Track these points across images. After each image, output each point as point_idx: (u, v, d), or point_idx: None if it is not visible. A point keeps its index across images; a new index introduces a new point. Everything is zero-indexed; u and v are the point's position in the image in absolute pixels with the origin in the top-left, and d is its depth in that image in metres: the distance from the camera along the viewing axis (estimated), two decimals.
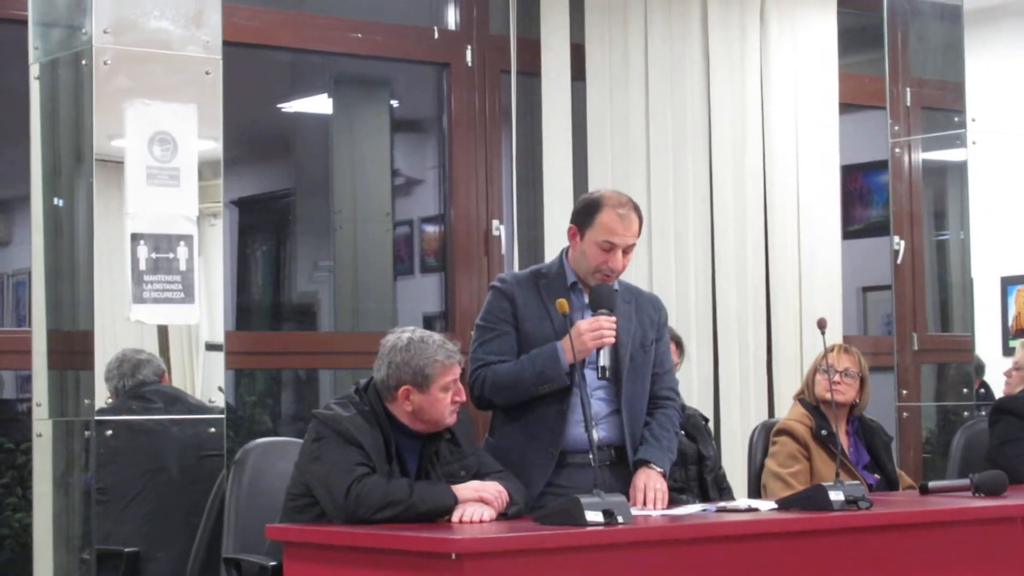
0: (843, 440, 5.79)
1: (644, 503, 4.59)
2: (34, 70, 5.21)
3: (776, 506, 4.66)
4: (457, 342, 4.50)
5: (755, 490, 5.87)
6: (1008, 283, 8.80)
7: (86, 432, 4.96)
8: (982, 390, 8.03)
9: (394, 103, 7.62)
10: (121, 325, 5.02)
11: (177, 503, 5.05)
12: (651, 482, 4.65)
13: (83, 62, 5.01)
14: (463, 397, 4.44)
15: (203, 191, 5.15)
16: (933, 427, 7.85)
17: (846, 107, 7.89)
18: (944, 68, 8.01)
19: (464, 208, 6.95)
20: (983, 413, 7.16)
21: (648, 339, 4.81)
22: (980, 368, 8.11)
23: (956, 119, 7.87)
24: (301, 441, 4.45)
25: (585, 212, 4.72)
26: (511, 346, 4.70)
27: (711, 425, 6.39)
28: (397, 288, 7.57)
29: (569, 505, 4.05)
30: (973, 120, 7.84)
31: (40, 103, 5.19)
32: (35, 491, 5.20)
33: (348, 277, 7.40)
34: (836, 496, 4.53)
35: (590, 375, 4.66)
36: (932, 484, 5.37)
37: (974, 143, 7.86)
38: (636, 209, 4.72)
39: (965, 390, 7.78)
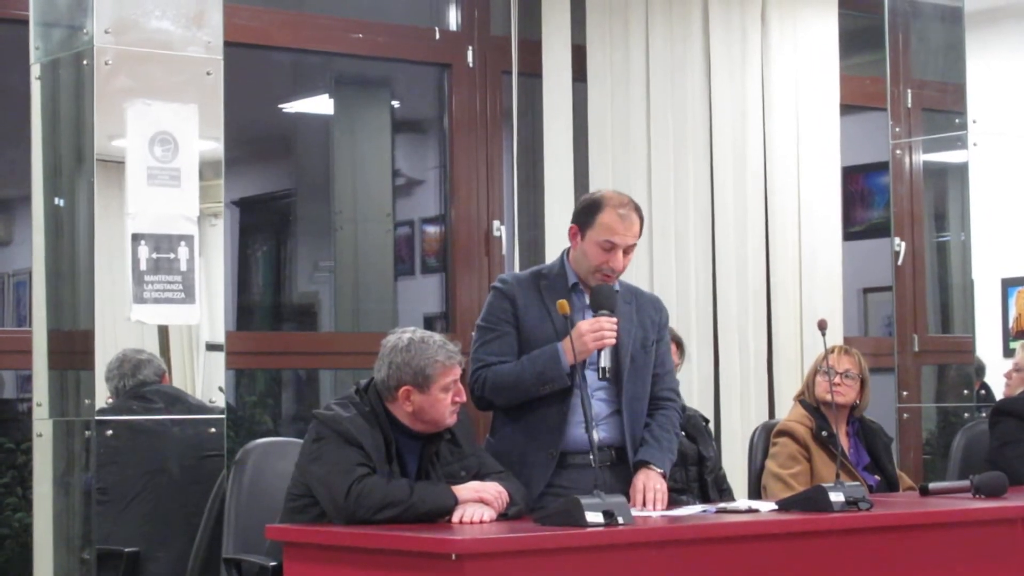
0: (843, 441, 5.79)
1: (643, 504, 4.59)
2: (35, 70, 5.21)
3: (776, 507, 4.66)
4: (458, 343, 4.50)
5: (755, 491, 5.87)
6: (1009, 285, 8.79)
7: (86, 432, 4.96)
8: (982, 391, 8.03)
9: (395, 103, 7.62)
10: (122, 325, 5.01)
11: (177, 503, 5.05)
12: (650, 483, 4.65)
13: (84, 62, 5.01)
14: (463, 398, 4.44)
15: (204, 191, 5.15)
16: (933, 428, 7.85)
17: (847, 108, 7.89)
18: (945, 70, 8.01)
19: (465, 209, 6.95)
20: (983, 415, 7.15)
21: (649, 340, 4.81)
22: (980, 369, 8.11)
23: (957, 121, 7.87)
24: (301, 441, 4.45)
25: (586, 212, 4.72)
26: (512, 347, 4.70)
27: (711, 426, 6.38)
28: (398, 288, 7.57)
29: (569, 506, 4.05)
30: (974, 122, 7.84)
31: (41, 103, 5.19)
32: (35, 491, 5.19)
33: (349, 277, 7.40)
34: (836, 497, 4.53)
35: (591, 376, 4.66)
36: (932, 485, 5.37)
37: (975, 145, 7.85)
38: (637, 209, 4.72)
39: (965, 391, 7.78)
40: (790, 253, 7.55)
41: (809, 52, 7.65)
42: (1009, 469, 5.54)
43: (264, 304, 7.71)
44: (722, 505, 4.75)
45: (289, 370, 7.19)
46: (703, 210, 7.29)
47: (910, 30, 8.00)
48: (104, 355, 4.98)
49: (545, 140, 6.94)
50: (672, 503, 4.80)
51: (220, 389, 5.22)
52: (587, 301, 4.71)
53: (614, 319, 4.63)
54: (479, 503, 4.27)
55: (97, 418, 4.93)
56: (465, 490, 4.30)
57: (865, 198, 8.79)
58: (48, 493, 5.13)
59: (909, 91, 8.02)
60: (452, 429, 4.45)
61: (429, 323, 7.23)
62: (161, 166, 5.06)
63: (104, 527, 4.94)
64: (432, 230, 7.41)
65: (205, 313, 5.16)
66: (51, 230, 5.16)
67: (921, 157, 8.03)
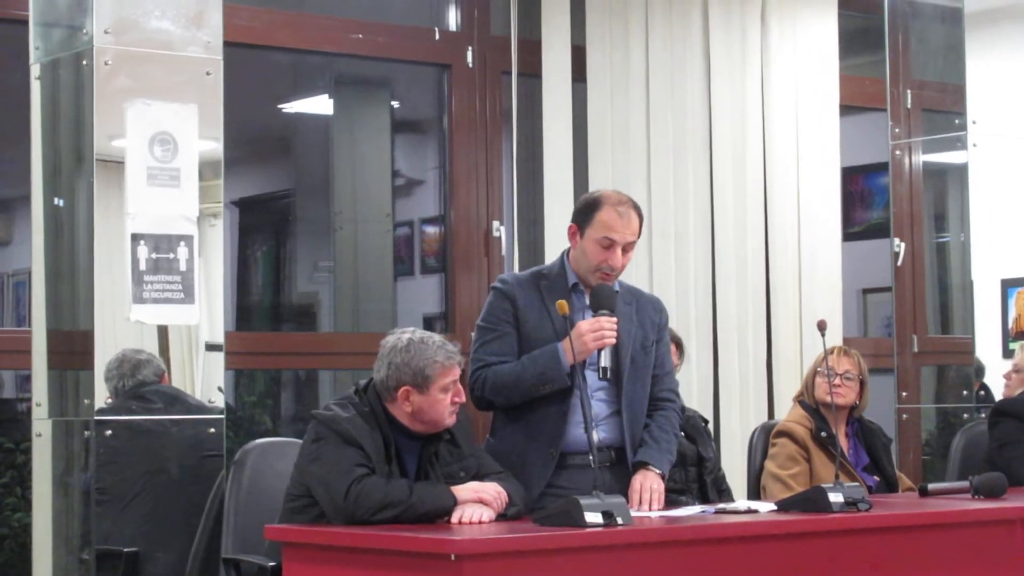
0: (842, 442, 5.79)
1: (640, 504, 4.59)
2: (35, 70, 5.21)
3: (775, 508, 4.66)
4: (457, 343, 4.50)
5: (754, 492, 5.87)
6: (1008, 285, 8.80)
7: (86, 432, 4.96)
8: (982, 392, 8.04)
9: (395, 104, 7.62)
10: (121, 325, 5.02)
11: (176, 503, 5.05)
12: (648, 483, 4.65)
13: (84, 62, 5.01)
14: (463, 398, 4.43)
15: (203, 191, 5.15)
16: (933, 429, 7.86)
17: (847, 109, 7.89)
18: (945, 70, 8.01)
19: (464, 209, 6.95)
20: (983, 415, 7.15)
21: (649, 340, 4.81)
22: (980, 370, 8.12)
23: (957, 121, 7.87)
24: (300, 442, 4.44)
25: (585, 210, 4.73)
26: (512, 347, 4.70)
27: (711, 426, 6.38)
28: (397, 289, 7.57)
29: (569, 506, 4.05)
30: (974, 122, 7.84)
31: (41, 103, 5.19)
32: (34, 491, 5.19)
33: (348, 278, 7.40)
34: (835, 498, 4.53)
35: (591, 376, 4.66)
36: (931, 486, 5.37)
37: (975, 145, 7.85)
38: (636, 208, 4.72)
39: (965, 392, 7.78)
40: (790, 253, 7.55)
41: (809, 53, 7.65)
42: (1008, 470, 5.54)
43: (263, 304, 7.71)
44: (721, 506, 4.74)
45: (288, 370, 7.19)
46: (703, 210, 7.29)
47: (910, 31, 8.00)
48: (103, 355, 4.98)
49: (545, 140, 6.95)
50: (671, 504, 4.80)
51: (219, 389, 5.22)
52: (587, 301, 4.71)
53: (614, 319, 4.63)
54: (478, 504, 4.27)
55: (96, 418, 4.93)
56: (464, 491, 4.30)
57: (865, 199, 8.79)
58: (47, 493, 5.13)
59: (909, 92, 8.03)
60: (451, 430, 4.45)
61: (428, 323, 7.23)
62: (161, 166, 5.06)
63: (103, 527, 4.94)
64: (431, 230, 7.41)
65: (204, 313, 5.16)
66: (51, 230, 5.16)
67: (921, 158, 8.04)
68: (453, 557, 3.77)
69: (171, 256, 5.06)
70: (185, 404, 5.15)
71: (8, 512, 6.05)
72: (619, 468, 4.73)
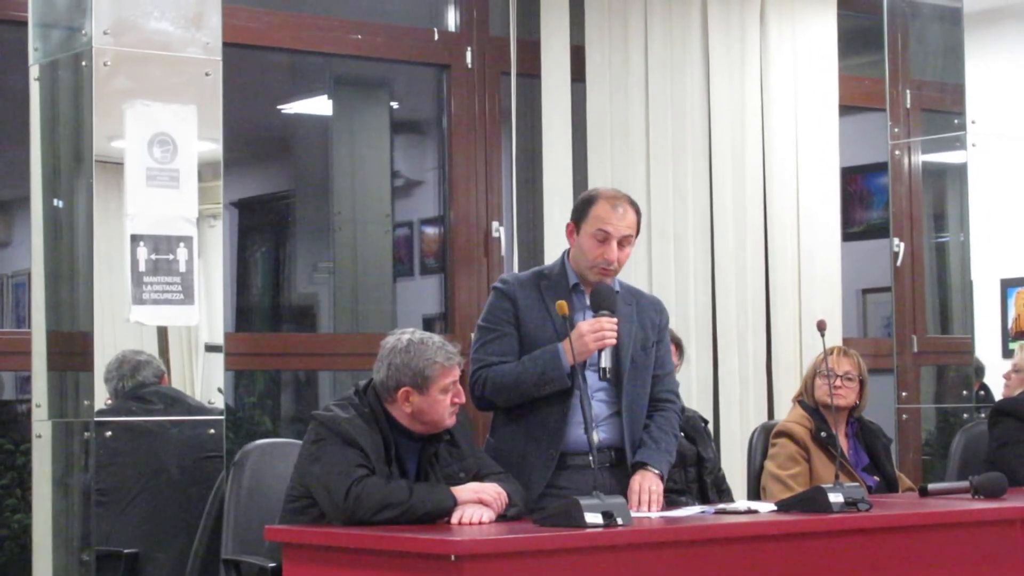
0: (842, 442, 5.79)
1: (639, 505, 4.59)
2: (34, 71, 5.21)
3: (775, 508, 4.66)
4: (457, 344, 4.50)
5: (754, 492, 5.87)
6: (1008, 285, 8.80)
7: (85, 433, 4.95)
8: (981, 392, 8.04)
9: (394, 104, 7.62)
10: (121, 326, 5.01)
11: (176, 504, 5.04)
12: (646, 483, 4.65)
13: (83, 63, 5.01)
14: (462, 399, 4.43)
15: (203, 192, 5.15)
16: (932, 429, 7.86)
17: (846, 109, 7.89)
18: (944, 70, 8.02)
19: (464, 210, 6.95)
20: (983, 415, 7.16)
21: (649, 341, 4.81)
22: (980, 370, 8.12)
23: (956, 121, 7.88)
24: (300, 442, 4.45)
25: (580, 207, 4.75)
26: (512, 347, 4.70)
27: (710, 427, 6.38)
28: (397, 289, 7.57)
29: (568, 507, 4.05)
30: (973, 122, 7.84)
31: (40, 104, 5.19)
32: (34, 492, 5.19)
33: (348, 278, 7.39)
34: (835, 498, 4.53)
35: (591, 377, 4.66)
36: (931, 486, 5.37)
37: (974, 145, 7.86)
38: (632, 204, 4.73)
39: (965, 392, 7.78)
40: (789, 254, 7.55)
41: (808, 53, 7.66)
42: (1008, 470, 5.54)
43: (263, 305, 7.70)
44: (721, 506, 4.74)
45: (288, 371, 7.19)
46: (702, 211, 7.29)
47: (909, 31, 8.00)
48: (103, 356, 4.98)
49: (544, 141, 6.94)
50: (671, 504, 4.79)
51: (219, 390, 5.22)
52: (587, 302, 4.71)
53: (614, 319, 4.63)
54: (478, 504, 4.27)
55: (96, 419, 4.93)
56: (464, 491, 4.30)
57: (864, 199, 8.79)
58: (47, 494, 5.13)
59: (908, 92, 8.03)
60: (451, 430, 4.45)
61: (428, 324, 7.23)
62: (160, 167, 5.06)
63: (103, 528, 4.94)
64: (431, 231, 7.41)
65: (204, 314, 5.16)
66: (50, 231, 5.16)
67: (920, 158, 8.04)
68: (453, 558, 3.77)
69: (171, 257, 5.06)
70: (185, 405, 5.15)
71: (8, 513, 6.05)
72: (619, 469, 4.73)
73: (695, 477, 5.68)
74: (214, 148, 5.21)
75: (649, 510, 4.58)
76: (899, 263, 7.91)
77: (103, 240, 4.98)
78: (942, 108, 8.02)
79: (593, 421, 4.55)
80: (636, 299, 4.87)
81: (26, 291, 5.98)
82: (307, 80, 7.38)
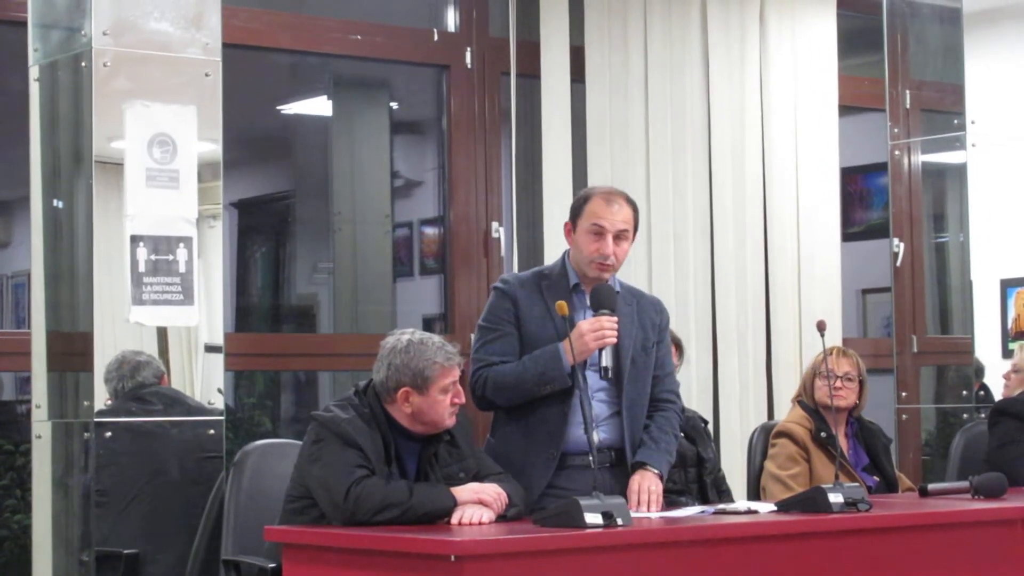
0: (842, 442, 5.79)
1: (638, 505, 4.59)
2: (34, 72, 5.21)
3: (775, 508, 4.66)
4: (457, 344, 4.49)
5: (754, 492, 5.87)
6: (1007, 285, 8.81)
7: (85, 434, 4.95)
8: (981, 392, 8.04)
9: (394, 105, 7.62)
10: (120, 327, 5.01)
11: (176, 505, 5.04)
12: (646, 484, 4.64)
13: (83, 64, 5.01)
14: (462, 399, 4.43)
15: (202, 193, 5.15)
16: (932, 429, 7.86)
17: (845, 109, 7.89)
18: (944, 70, 8.02)
19: (464, 210, 6.95)
20: (982, 415, 7.16)
21: (649, 341, 4.81)
22: (980, 370, 8.12)
23: (955, 121, 7.88)
24: (300, 443, 4.45)
25: (576, 206, 4.77)
26: (513, 347, 4.70)
27: (710, 427, 6.38)
28: (396, 290, 7.57)
29: (568, 507, 4.05)
30: (972, 122, 7.84)
31: (40, 105, 5.19)
32: (34, 493, 5.19)
33: (347, 279, 7.39)
34: (835, 498, 4.53)
35: (592, 377, 4.67)
36: (931, 486, 5.37)
37: (973, 145, 7.86)
38: (628, 200, 4.73)
39: (964, 392, 7.78)
40: (789, 254, 7.55)
41: (808, 53, 7.66)
42: (1008, 470, 5.53)
43: (263, 306, 7.70)
44: (721, 506, 4.74)
45: (288, 372, 7.19)
46: (702, 211, 7.29)
47: (908, 31, 8.00)
48: (103, 357, 4.98)
49: (544, 141, 6.94)
50: (671, 504, 4.79)
51: (219, 391, 5.22)
52: (588, 301, 4.71)
53: (614, 318, 4.63)
54: (478, 504, 4.27)
55: (96, 420, 4.93)
56: (464, 491, 4.30)
57: (864, 199, 8.79)
58: (47, 495, 5.13)
59: (908, 92, 8.03)
60: (451, 430, 4.45)
61: (428, 324, 7.22)
62: (160, 168, 5.06)
63: (103, 529, 4.94)
64: (431, 231, 7.41)
65: (204, 315, 5.16)
66: (50, 232, 5.16)
67: (920, 158, 8.04)
68: (453, 558, 3.77)
69: (170, 258, 5.06)
70: (185, 406, 5.15)
71: (8, 514, 6.05)
72: (619, 469, 4.73)
73: (695, 477, 5.68)
74: (214, 148, 5.21)
75: (649, 510, 4.58)
76: (899, 263, 7.91)
77: (103, 240, 4.98)
78: (942, 108, 8.02)
79: (593, 421, 4.56)
80: (636, 299, 4.87)
81: (26, 291, 5.98)
82: (307, 80, 7.38)
